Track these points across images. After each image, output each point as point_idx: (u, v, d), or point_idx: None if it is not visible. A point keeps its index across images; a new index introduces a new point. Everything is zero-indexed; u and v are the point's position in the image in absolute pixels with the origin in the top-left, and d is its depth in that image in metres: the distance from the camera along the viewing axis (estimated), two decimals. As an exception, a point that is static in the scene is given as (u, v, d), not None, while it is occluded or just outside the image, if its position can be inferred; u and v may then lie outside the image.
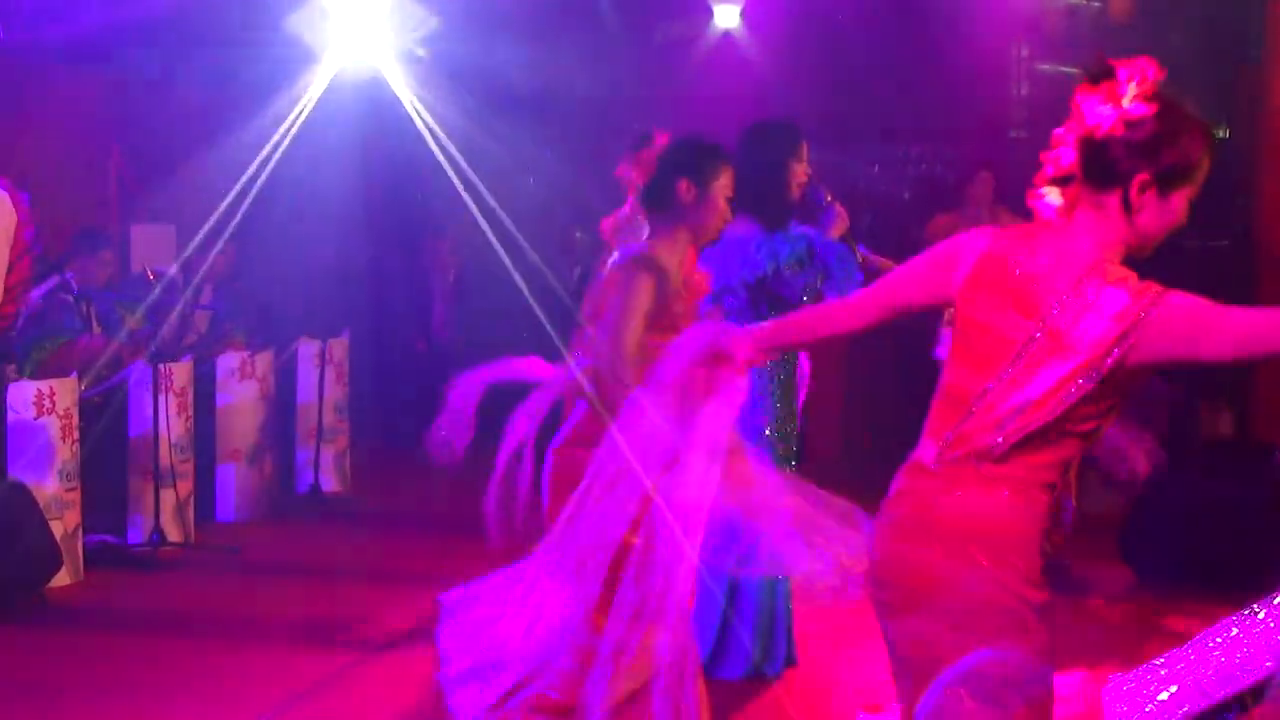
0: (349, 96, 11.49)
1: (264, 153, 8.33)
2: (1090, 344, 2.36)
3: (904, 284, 2.71)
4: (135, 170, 9.68)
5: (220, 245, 8.26)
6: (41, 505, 6.09)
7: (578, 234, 10.82)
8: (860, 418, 9.67)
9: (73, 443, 6.36)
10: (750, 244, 4.86)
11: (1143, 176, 2.43)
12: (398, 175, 11.49)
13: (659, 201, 3.73)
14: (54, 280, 7.20)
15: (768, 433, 4.95)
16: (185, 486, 7.17)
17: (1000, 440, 2.44)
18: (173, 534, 6.97)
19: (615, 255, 3.91)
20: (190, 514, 7.23)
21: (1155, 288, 2.37)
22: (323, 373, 8.52)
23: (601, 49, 11.42)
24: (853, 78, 10.98)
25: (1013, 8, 10.75)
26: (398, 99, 11.65)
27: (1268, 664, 3.83)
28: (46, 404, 6.22)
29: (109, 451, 6.90)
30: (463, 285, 10.77)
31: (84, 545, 6.45)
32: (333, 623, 5.69)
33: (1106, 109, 2.44)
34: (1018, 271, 2.48)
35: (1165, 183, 2.44)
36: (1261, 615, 4.21)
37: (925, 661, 2.51)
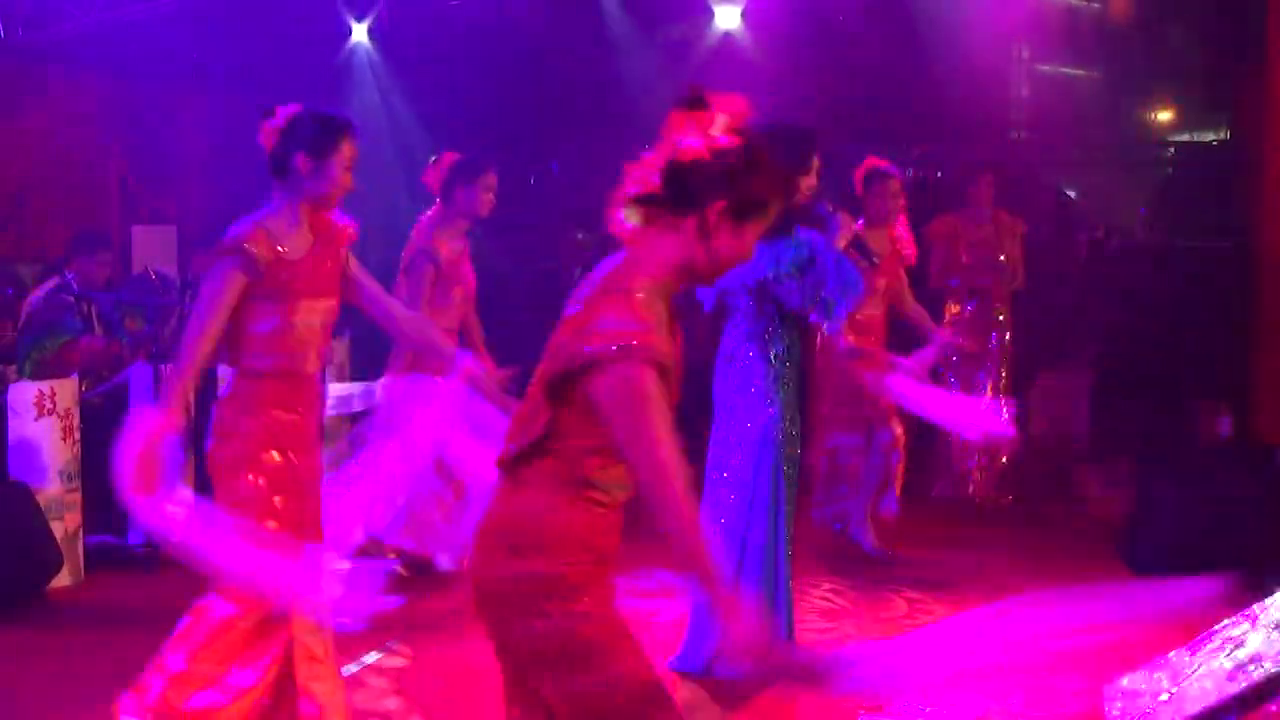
0: (349, 95, 11.52)
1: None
2: (559, 349, 2.52)
3: None
4: (135, 170, 9.69)
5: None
6: (42, 506, 6.09)
7: (579, 235, 10.82)
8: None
9: (73, 443, 6.36)
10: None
11: (720, 204, 2.51)
12: (398, 175, 11.49)
13: (279, 171, 3.83)
14: (54, 281, 7.20)
15: (775, 433, 4.97)
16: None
17: (513, 448, 2.57)
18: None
19: None
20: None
21: (643, 342, 2.42)
22: (323, 374, 8.51)
23: (603, 50, 11.42)
24: (853, 78, 10.99)
25: (1013, 9, 10.74)
26: (397, 98, 11.68)
27: (1269, 665, 3.83)
28: (47, 405, 6.22)
29: (110, 452, 6.89)
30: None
31: (85, 546, 6.45)
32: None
33: (695, 136, 2.52)
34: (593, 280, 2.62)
35: (740, 213, 2.53)
36: (1261, 616, 4.21)
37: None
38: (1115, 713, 4.35)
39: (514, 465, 2.58)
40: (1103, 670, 4.87)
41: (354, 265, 4.03)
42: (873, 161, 6.36)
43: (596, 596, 2.55)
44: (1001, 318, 8.01)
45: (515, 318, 10.58)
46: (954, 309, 8.05)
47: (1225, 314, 8.55)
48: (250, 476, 3.77)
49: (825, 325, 5.00)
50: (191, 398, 4.49)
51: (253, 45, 10.40)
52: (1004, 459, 8.00)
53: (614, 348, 2.41)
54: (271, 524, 3.72)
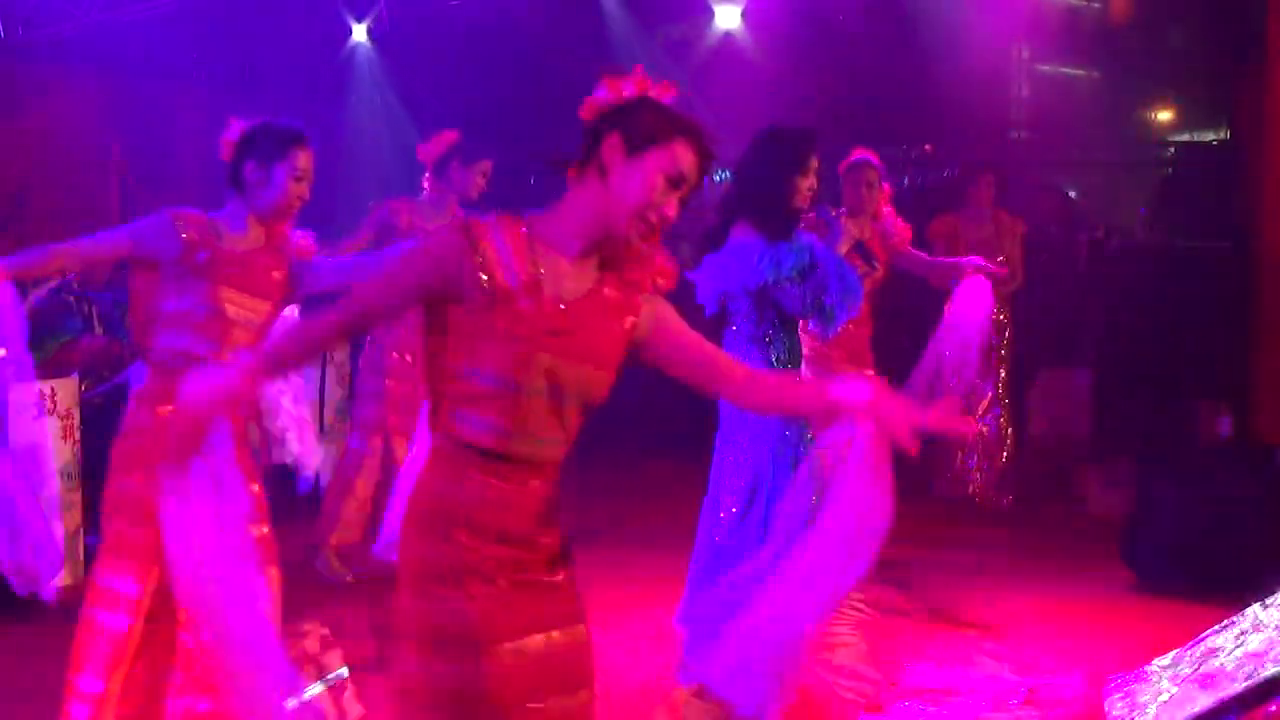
0: (349, 95, 11.51)
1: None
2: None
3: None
4: (135, 170, 9.68)
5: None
6: (43, 506, 6.08)
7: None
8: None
9: (73, 443, 6.36)
10: (753, 251, 4.87)
11: (613, 137, 2.56)
12: (398, 175, 11.48)
13: (232, 182, 3.88)
14: (55, 280, 7.20)
15: (786, 433, 4.97)
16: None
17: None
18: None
19: None
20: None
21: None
22: (323, 374, 8.51)
23: (603, 50, 11.42)
24: (853, 79, 10.98)
25: (1014, 9, 10.74)
26: (397, 98, 11.67)
27: (1269, 665, 3.83)
28: (47, 404, 6.22)
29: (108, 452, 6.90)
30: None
31: (85, 546, 6.45)
32: (338, 624, 5.68)
33: (603, 89, 2.63)
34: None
35: (631, 144, 2.54)
36: (1262, 616, 4.21)
37: None
38: (1115, 713, 4.35)
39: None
40: (1103, 670, 4.88)
41: (309, 281, 4.03)
42: (857, 153, 6.31)
43: (476, 581, 2.48)
44: (1001, 318, 8.01)
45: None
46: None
47: (1225, 314, 8.55)
48: (137, 477, 3.72)
49: (821, 333, 5.00)
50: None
51: (253, 45, 10.41)
52: (1004, 458, 8.00)
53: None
54: (154, 531, 3.68)
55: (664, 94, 2.62)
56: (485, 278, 2.49)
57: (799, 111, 9.93)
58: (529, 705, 2.51)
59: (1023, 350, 8.50)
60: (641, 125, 2.56)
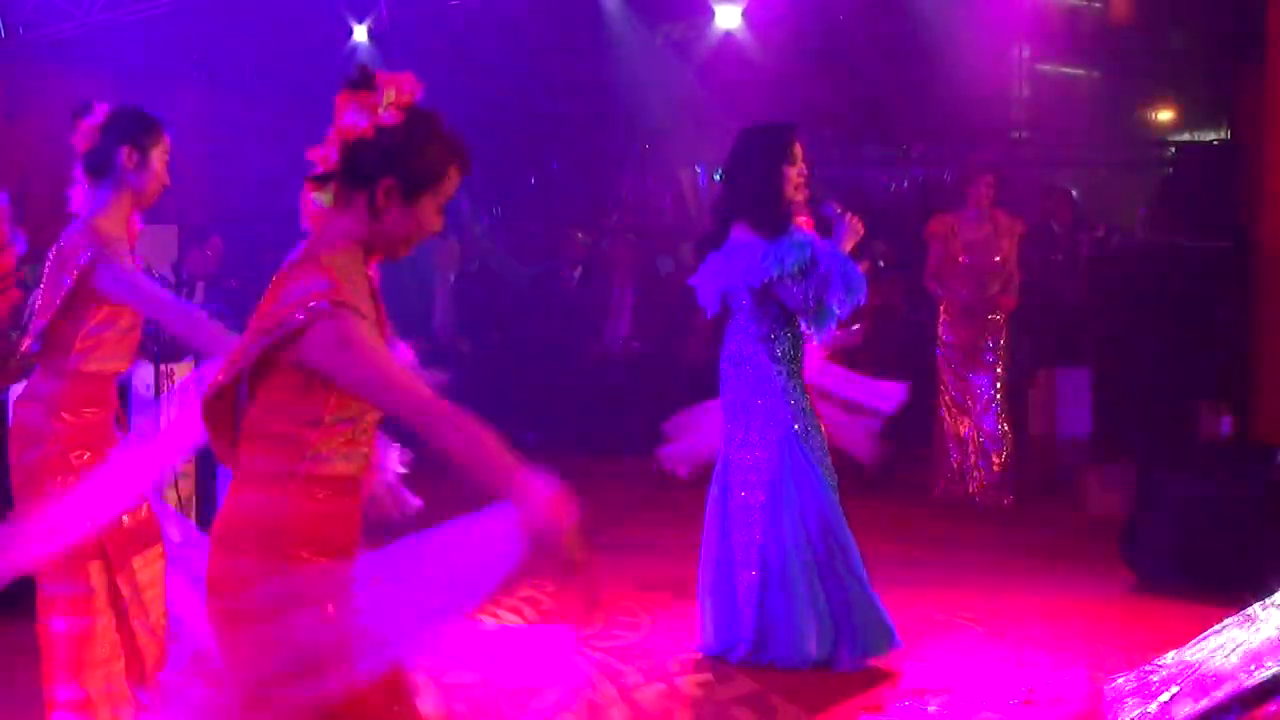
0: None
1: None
2: (255, 329, 2.50)
3: None
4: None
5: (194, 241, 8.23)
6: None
7: (579, 235, 10.82)
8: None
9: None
10: (755, 249, 4.87)
11: (388, 182, 2.54)
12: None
13: (101, 169, 3.84)
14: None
15: (796, 428, 4.98)
16: (187, 486, 7.16)
17: (223, 442, 2.61)
18: (174, 534, 6.94)
19: None
20: (192, 514, 7.22)
21: (336, 297, 2.44)
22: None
23: (603, 50, 11.42)
24: (854, 78, 10.99)
25: (1014, 9, 10.75)
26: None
27: (1269, 665, 3.83)
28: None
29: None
30: (464, 284, 10.78)
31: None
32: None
33: (361, 115, 2.54)
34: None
35: (409, 190, 2.56)
36: (1262, 616, 4.21)
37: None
38: (1115, 712, 4.34)
39: (236, 459, 2.59)
40: (1103, 670, 4.87)
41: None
42: None
43: (324, 593, 2.49)
44: (999, 317, 8.01)
45: (516, 316, 10.61)
46: (951, 308, 8.04)
47: (1225, 314, 8.55)
48: (60, 480, 3.72)
49: (815, 333, 5.01)
50: None
51: (253, 45, 10.41)
52: (1004, 458, 7.99)
53: (312, 305, 2.43)
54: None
55: (414, 91, 2.59)
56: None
57: (799, 111, 9.94)
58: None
59: (1023, 350, 8.49)
60: (420, 171, 2.57)
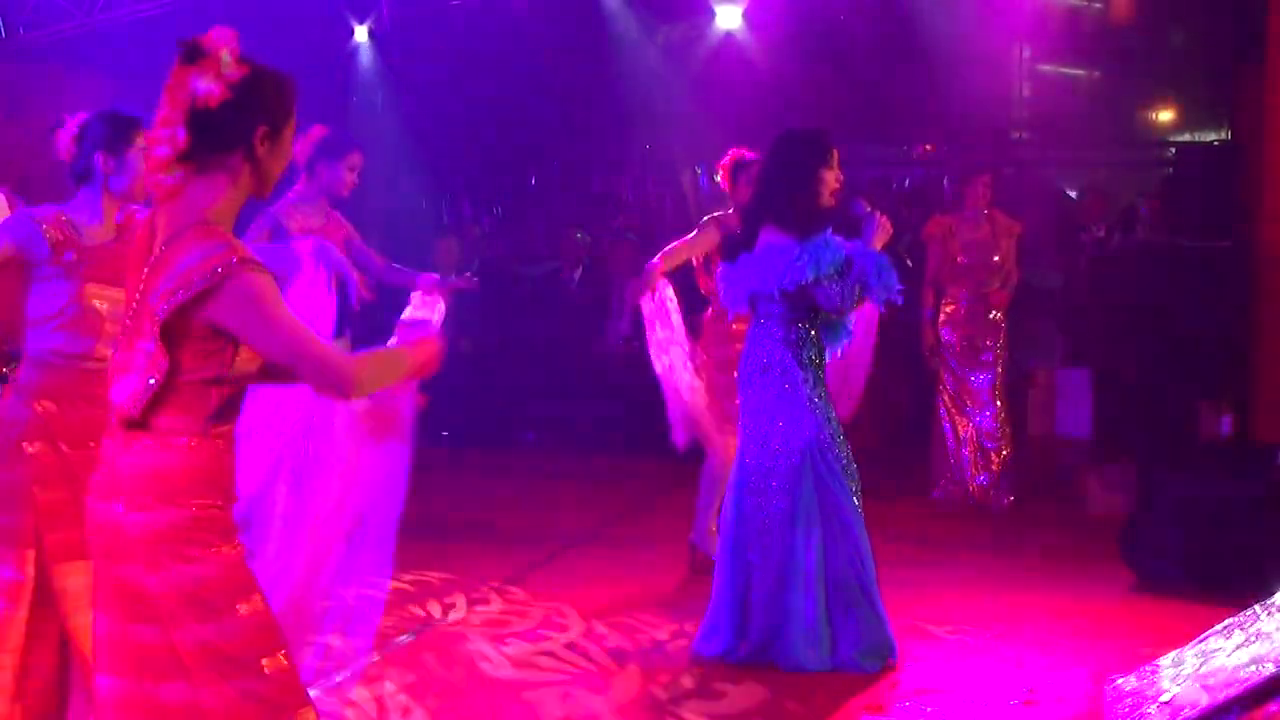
0: (350, 96, 11.50)
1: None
2: (157, 294, 2.57)
3: None
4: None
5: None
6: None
7: (579, 235, 10.82)
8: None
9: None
10: (790, 252, 4.85)
11: (261, 129, 2.68)
12: (399, 174, 11.49)
13: (83, 175, 3.95)
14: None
15: (820, 436, 4.97)
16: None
17: (130, 403, 2.64)
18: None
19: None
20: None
21: (239, 256, 2.55)
22: None
23: (603, 50, 11.42)
24: (854, 78, 10.99)
25: (1014, 9, 10.74)
26: (398, 98, 11.67)
27: (1269, 665, 3.83)
28: None
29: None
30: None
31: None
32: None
33: (211, 82, 2.64)
34: (151, 247, 2.69)
35: (277, 128, 2.72)
36: (1263, 616, 4.21)
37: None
38: (1116, 712, 4.35)
39: (136, 418, 2.64)
40: (1103, 670, 4.87)
41: None
42: (739, 152, 6.28)
43: (227, 538, 2.66)
44: (997, 316, 8.01)
45: (516, 316, 10.60)
46: (949, 308, 8.05)
47: (1225, 314, 8.55)
48: (5, 466, 3.77)
49: (832, 342, 5.03)
50: None
51: (253, 46, 10.38)
52: (1003, 458, 7.99)
53: (218, 268, 2.52)
54: (25, 517, 3.74)
55: (237, 42, 2.70)
56: None
57: (799, 111, 9.94)
58: None
59: (1022, 350, 8.49)
60: (280, 108, 2.73)
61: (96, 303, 3.86)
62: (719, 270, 5.31)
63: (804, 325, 4.99)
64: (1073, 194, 11.17)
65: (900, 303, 4.99)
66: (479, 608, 5.81)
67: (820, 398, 5.00)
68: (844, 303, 4.86)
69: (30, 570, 3.74)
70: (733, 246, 5.17)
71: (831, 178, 4.97)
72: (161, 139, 2.66)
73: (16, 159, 8.92)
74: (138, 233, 2.77)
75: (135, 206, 4.10)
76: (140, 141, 3.94)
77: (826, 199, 4.97)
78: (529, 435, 10.20)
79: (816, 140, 5.01)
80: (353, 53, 11.35)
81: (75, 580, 3.67)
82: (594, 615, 5.65)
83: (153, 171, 2.67)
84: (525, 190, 12.97)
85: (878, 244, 4.96)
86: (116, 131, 3.93)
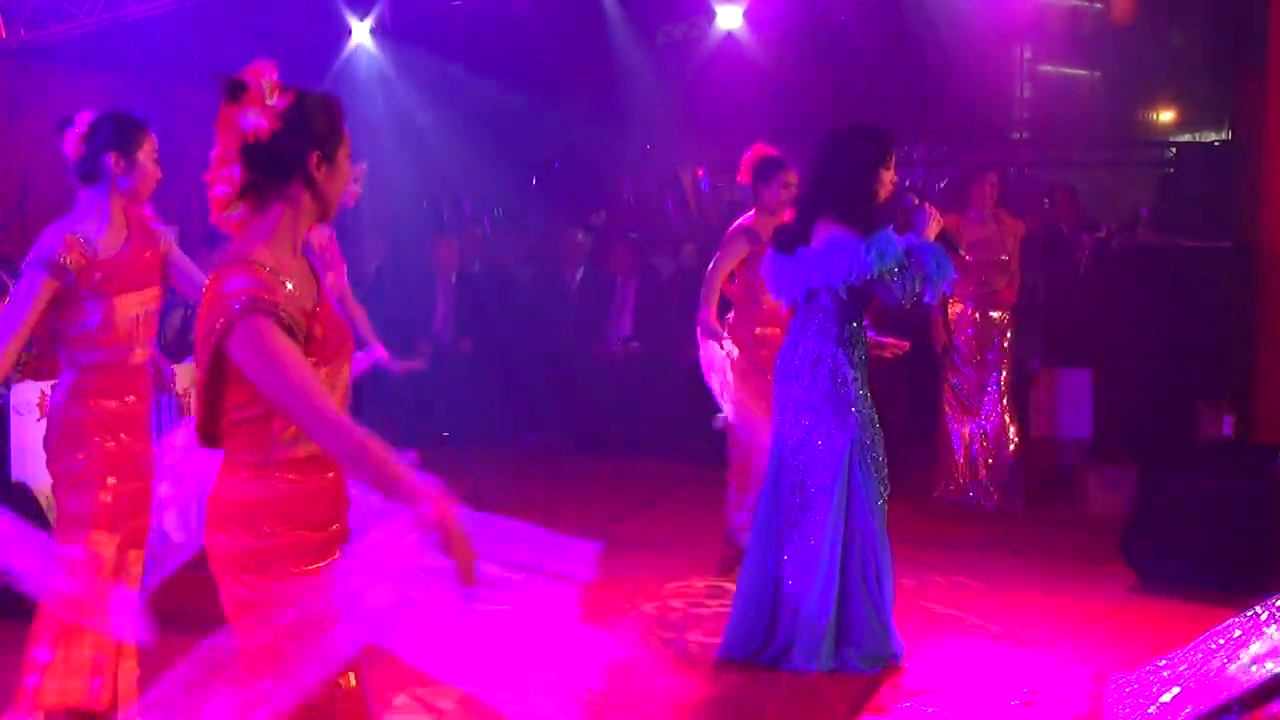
0: (350, 95, 11.50)
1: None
2: (203, 326, 2.62)
3: None
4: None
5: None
6: (44, 506, 6.08)
7: (579, 235, 10.82)
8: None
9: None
10: (854, 246, 4.83)
11: (314, 155, 2.70)
12: (399, 174, 11.49)
13: (91, 175, 4.00)
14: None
15: (860, 440, 4.96)
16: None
17: (205, 431, 2.72)
18: (175, 533, 6.94)
19: None
20: (193, 513, 7.21)
21: (252, 295, 2.56)
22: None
23: (603, 50, 11.42)
24: (855, 78, 10.98)
25: (1015, 9, 10.75)
26: (398, 97, 11.67)
27: (1270, 666, 3.83)
28: (49, 405, 6.20)
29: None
30: (465, 284, 10.77)
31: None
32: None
33: (258, 116, 2.65)
34: None
35: (329, 153, 2.74)
36: (1263, 616, 4.21)
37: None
38: (1115, 713, 4.35)
39: (203, 444, 2.73)
40: (1103, 670, 4.88)
41: (176, 252, 4.25)
42: (763, 149, 6.21)
43: (299, 565, 2.66)
44: (1002, 316, 8.01)
45: (516, 316, 10.60)
46: (956, 308, 8.04)
47: (1226, 314, 8.55)
48: (81, 456, 3.96)
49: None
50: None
51: (253, 45, 10.37)
52: (1004, 458, 7.99)
53: (236, 306, 2.56)
54: (105, 498, 3.95)
55: (275, 71, 2.69)
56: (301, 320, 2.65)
57: (799, 112, 9.94)
58: None
59: (1023, 350, 8.49)
60: (330, 131, 2.75)
61: (129, 310, 4.02)
62: (767, 260, 5.22)
63: (855, 324, 4.98)
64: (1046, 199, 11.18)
65: (950, 292, 4.98)
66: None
67: (866, 399, 4.98)
68: (905, 297, 4.85)
69: (98, 550, 3.94)
70: (788, 238, 5.09)
71: (889, 179, 4.96)
72: (220, 178, 2.67)
73: (16, 159, 8.93)
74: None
75: (141, 208, 4.14)
76: (151, 142, 4.06)
77: (882, 197, 4.97)
78: (529, 435, 10.20)
79: (879, 138, 4.98)
80: (353, 52, 11.35)
81: (138, 568, 4.00)
82: (595, 612, 5.64)
83: (216, 211, 2.70)
84: (525, 190, 12.96)
85: (931, 234, 4.94)
86: (128, 132, 4.00)
